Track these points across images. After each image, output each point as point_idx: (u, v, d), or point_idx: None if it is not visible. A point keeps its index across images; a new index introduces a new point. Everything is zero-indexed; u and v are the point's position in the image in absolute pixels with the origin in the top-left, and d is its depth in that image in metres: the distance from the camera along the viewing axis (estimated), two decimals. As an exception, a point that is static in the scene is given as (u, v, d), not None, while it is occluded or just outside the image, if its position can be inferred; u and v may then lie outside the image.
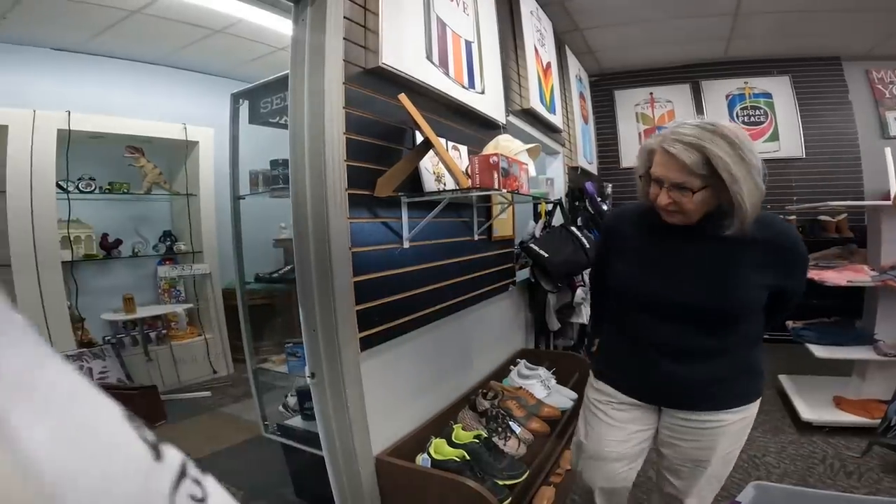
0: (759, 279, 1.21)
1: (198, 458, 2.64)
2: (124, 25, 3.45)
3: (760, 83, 4.86)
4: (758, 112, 4.84)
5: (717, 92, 4.96)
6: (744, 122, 4.84)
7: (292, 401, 2.37)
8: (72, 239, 3.58)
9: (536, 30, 3.40)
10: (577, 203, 4.01)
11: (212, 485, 0.25)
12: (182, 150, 4.22)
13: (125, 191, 3.90)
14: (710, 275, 1.22)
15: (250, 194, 2.33)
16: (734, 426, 1.29)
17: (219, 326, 4.38)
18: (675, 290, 1.25)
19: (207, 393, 3.86)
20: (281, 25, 3.34)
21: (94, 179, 3.72)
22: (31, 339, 0.20)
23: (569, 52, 4.41)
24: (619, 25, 4.13)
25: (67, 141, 3.47)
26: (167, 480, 0.22)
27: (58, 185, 3.43)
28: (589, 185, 4.01)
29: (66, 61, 3.72)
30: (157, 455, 0.22)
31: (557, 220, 3.36)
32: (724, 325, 1.24)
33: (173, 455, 0.24)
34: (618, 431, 1.40)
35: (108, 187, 3.82)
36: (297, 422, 2.25)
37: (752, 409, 1.31)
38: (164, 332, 4.11)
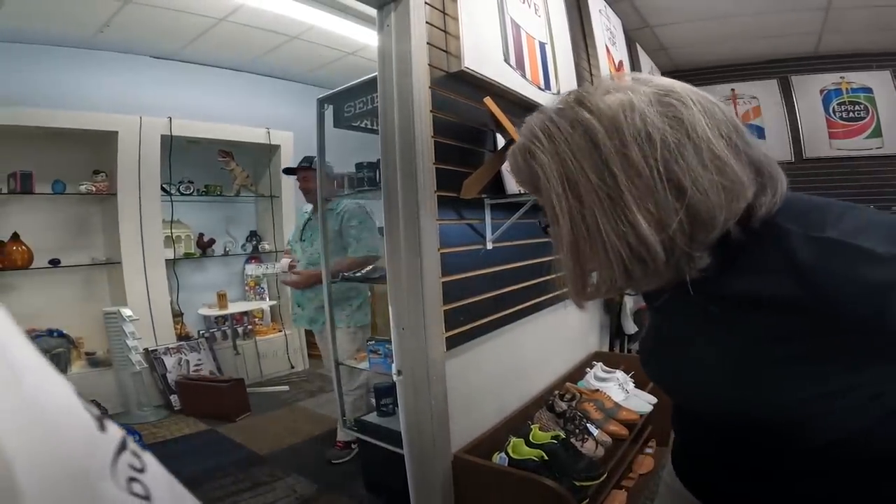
0: (825, 378, 0.58)
1: (279, 448, 2.83)
2: (212, 33, 3.68)
3: (858, 77, 4.48)
4: (857, 107, 4.47)
5: (810, 87, 4.62)
6: (842, 118, 4.49)
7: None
8: (174, 238, 3.88)
9: (606, 28, 3.33)
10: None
11: (150, 459, 0.28)
12: (266, 154, 4.47)
13: (219, 193, 4.19)
14: (725, 363, 0.65)
15: (336, 196, 2.43)
16: None
17: (298, 323, 4.59)
18: (688, 388, 0.73)
19: (286, 387, 4.02)
20: (350, 31, 3.43)
21: (193, 182, 4.01)
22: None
23: (640, 50, 4.29)
24: (693, 22, 3.96)
25: (170, 146, 3.75)
26: (110, 449, 0.25)
27: (161, 188, 3.73)
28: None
29: (164, 68, 3.98)
30: (102, 427, 0.25)
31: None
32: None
33: (115, 429, 0.26)
34: None
35: (204, 189, 4.11)
36: (372, 418, 2.32)
37: None
38: (249, 327, 4.37)
